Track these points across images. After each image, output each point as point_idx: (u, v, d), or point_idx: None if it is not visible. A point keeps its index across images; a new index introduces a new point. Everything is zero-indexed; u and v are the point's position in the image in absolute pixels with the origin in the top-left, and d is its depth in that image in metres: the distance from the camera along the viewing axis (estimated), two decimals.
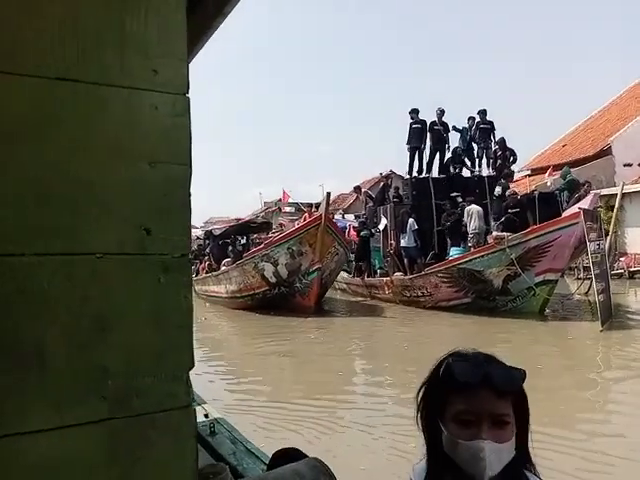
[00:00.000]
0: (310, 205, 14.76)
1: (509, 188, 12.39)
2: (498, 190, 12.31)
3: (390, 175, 16.00)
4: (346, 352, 8.41)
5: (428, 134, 13.94)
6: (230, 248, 15.85)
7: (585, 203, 9.97)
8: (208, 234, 17.22)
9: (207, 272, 15.63)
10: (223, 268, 14.25)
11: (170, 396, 0.81)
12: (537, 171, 21.97)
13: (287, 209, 19.40)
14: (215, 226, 18.81)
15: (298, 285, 12.19)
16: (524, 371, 1.03)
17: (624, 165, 21.17)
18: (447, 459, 1.02)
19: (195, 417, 0.84)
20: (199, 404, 2.75)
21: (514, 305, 10.70)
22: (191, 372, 0.84)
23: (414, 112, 13.94)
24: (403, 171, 16.17)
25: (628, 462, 3.98)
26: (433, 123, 13.90)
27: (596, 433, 4.77)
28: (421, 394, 1.08)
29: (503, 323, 9.82)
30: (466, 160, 14.34)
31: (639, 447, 4.25)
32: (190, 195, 0.86)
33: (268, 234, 15.97)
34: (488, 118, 14.37)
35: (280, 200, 21.11)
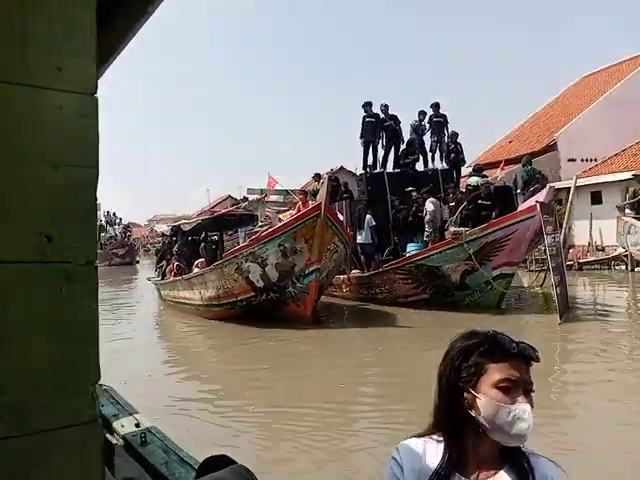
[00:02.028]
0: (304, 192, 12.50)
1: (488, 182, 12.13)
2: (475, 180, 12.00)
3: (335, 174, 15.58)
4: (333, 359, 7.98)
5: (382, 131, 13.95)
6: (203, 245, 13.91)
7: (541, 196, 10.00)
8: (175, 230, 15.21)
9: (176, 275, 13.50)
10: (196, 270, 12.34)
11: (74, 411, 0.78)
12: (486, 167, 22.63)
13: (273, 197, 15.95)
14: (185, 221, 16.47)
15: (291, 290, 10.30)
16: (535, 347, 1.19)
17: (568, 160, 22.02)
18: (469, 432, 1.15)
19: (101, 432, 0.81)
20: (130, 413, 2.70)
21: (472, 299, 10.87)
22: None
23: (367, 105, 13.88)
24: (353, 167, 15.97)
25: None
26: (383, 120, 13.91)
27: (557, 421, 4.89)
28: (448, 369, 1.19)
29: (466, 318, 9.92)
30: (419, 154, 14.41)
31: (600, 434, 4.47)
32: (96, 199, 0.83)
33: (253, 228, 13.92)
34: (441, 111, 14.52)
35: (270, 188, 17.27)
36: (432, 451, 1.19)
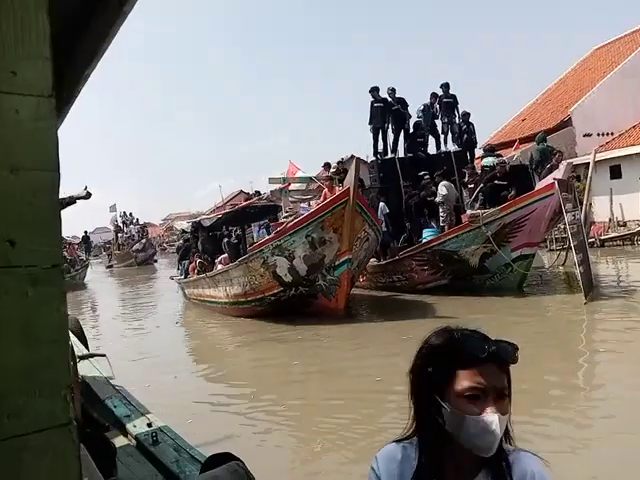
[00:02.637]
0: (330, 178, 11.58)
1: (503, 161, 11.77)
2: (491, 160, 11.78)
3: (346, 163, 15.04)
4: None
5: (390, 116, 13.69)
6: (225, 240, 13.42)
7: (559, 173, 9.73)
8: (196, 226, 14.73)
9: (199, 272, 13.06)
10: (219, 267, 11.94)
11: (46, 415, 0.78)
12: (498, 147, 22.38)
13: (295, 186, 14.65)
14: (205, 216, 16.06)
15: (321, 283, 9.73)
16: (516, 345, 1.07)
17: (584, 135, 21.57)
18: (443, 436, 1.06)
19: (76, 435, 0.79)
20: (142, 414, 2.74)
21: (492, 283, 10.67)
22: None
23: (375, 90, 13.59)
24: (364, 154, 15.65)
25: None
26: (390, 104, 13.63)
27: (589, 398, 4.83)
28: (416, 371, 1.11)
29: (488, 302, 9.75)
30: (430, 137, 14.18)
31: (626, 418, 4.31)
32: (59, 202, 0.83)
33: (277, 220, 12.93)
34: (451, 92, 14.25)
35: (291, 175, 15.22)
36: (411, 457, 1.13)
